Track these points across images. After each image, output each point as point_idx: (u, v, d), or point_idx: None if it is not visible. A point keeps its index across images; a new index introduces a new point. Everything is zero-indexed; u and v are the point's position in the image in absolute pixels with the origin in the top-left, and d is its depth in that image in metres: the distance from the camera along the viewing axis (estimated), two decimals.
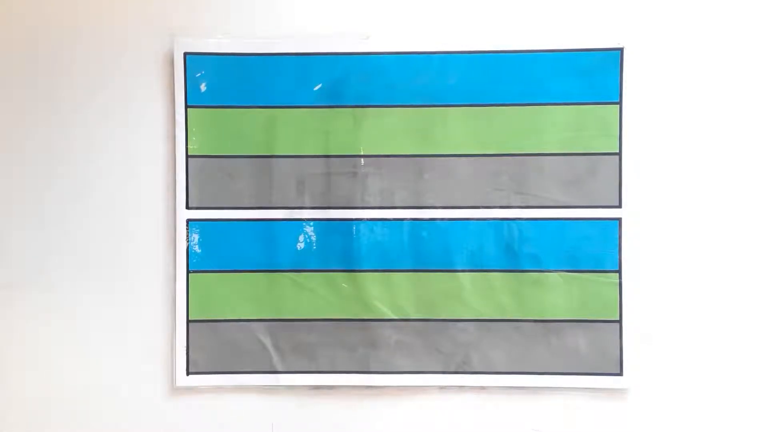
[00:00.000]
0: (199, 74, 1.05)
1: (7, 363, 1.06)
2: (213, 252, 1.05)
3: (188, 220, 1.05)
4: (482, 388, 1.04)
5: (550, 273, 1.04)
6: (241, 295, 1.06)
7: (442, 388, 1.04)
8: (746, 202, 1.03)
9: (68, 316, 1.05)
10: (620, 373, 1.02)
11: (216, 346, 1.06)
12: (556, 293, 1.04)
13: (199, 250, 1.05)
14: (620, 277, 1.03)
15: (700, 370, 1.03)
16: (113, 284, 1.05)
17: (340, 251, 1.05)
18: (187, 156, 1.05)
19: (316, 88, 1.05)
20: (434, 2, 1.05)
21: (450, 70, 1.04)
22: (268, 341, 1.06)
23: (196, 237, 1.05)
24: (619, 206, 1.03)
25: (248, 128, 1.04)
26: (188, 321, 1.04)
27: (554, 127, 1.04)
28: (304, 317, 1.05)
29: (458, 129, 1.04)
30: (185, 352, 1.05)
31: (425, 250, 1.04)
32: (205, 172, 1.05)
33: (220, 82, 1.05)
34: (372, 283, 1.04)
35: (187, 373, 1.06)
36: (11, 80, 1.06)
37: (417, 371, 1.04)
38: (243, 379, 1.06)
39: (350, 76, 1.04)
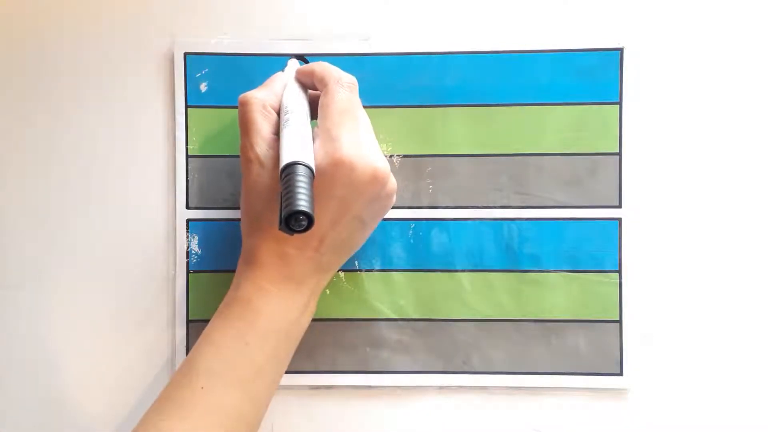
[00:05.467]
0: (199, 74, 1.04)
1: (7, 363, 1.05)
2: (213, 252, 1.04)
3: (188, 220, 1.05)
4: (482, 388, 1.03)
5: (550, 273, 1.03)
6: None
7: (441, 388, 1.04)
8: (747, 202, 1.03)
9: (67, 316, 1.05)
10: (620, 373, 1.02)
11: None
12: (556, 293, 1.03)
13: (199, 250, 1.05)
14: (620, 277, 1.03)
15: (700, 370, 1.03)
16: (113, 284, 1.05)
17: None
18: (187, 156, 1.05)
19: None
20: (434, 3, 1.05)
21: (450, 70, 1.04)
22: None
23: (196, 237, 1.05)
24: (619, 206, 1.03)
25: None
26: (188, 321, 1.04)
27: (554, 127, 1.03)
28: None
29: (458, 129, 1.04)
30: (185, 352, 1.04)
31: (425, 250, 1.04)
32: (205, 172, 1.05)
33: (220, 82, 1.04)
34: (372, 283, 1.04)
35: None
36: (10, 80, 1.05)
37: (417, 371, 1.03)
38: None
39: None
